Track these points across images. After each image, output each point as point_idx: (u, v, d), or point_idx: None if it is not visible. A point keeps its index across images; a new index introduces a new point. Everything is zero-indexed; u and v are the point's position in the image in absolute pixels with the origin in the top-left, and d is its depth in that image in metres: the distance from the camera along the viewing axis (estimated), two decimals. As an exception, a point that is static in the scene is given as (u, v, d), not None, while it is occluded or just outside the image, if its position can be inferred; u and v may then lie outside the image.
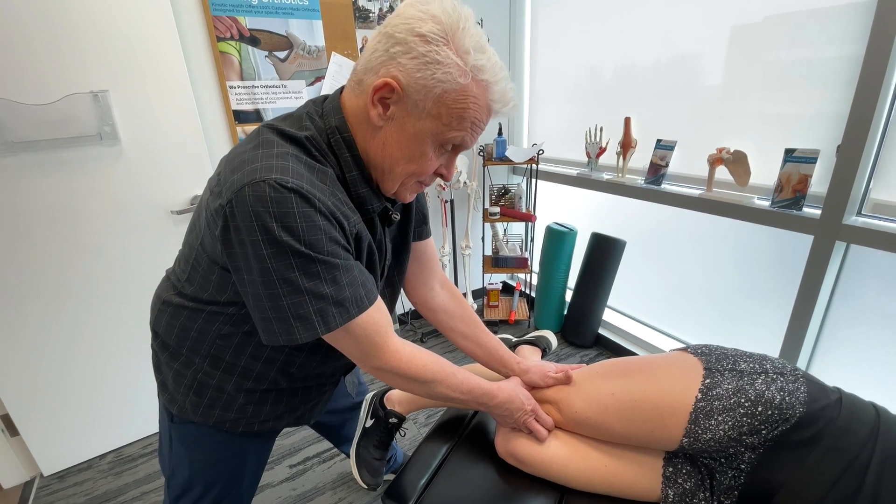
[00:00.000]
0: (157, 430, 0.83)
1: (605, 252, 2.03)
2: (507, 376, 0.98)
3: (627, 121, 1.82)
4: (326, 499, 1.48)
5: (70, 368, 1.56)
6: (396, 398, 1.07)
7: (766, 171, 1.41)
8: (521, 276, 2.72)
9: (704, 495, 0.76)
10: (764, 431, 0.71)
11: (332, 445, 1.67)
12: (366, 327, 0.65)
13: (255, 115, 1.76)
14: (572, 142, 2.17)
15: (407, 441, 1.70)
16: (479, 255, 2.61)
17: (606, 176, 1.96)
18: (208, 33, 1.59)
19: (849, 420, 0.70)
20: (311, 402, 0.88)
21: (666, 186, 1.71)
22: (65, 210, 1.42)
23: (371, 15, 1.91)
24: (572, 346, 2.26)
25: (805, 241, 1.31)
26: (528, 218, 2.26)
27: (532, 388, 0.94)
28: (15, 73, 1.27)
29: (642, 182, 1.77)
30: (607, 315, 2.22)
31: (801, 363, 1.42)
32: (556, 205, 2.47)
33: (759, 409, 0.71)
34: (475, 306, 2.65)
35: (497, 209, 2.25)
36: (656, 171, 1.72)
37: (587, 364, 0.99)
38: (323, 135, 0.65)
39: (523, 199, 2.29)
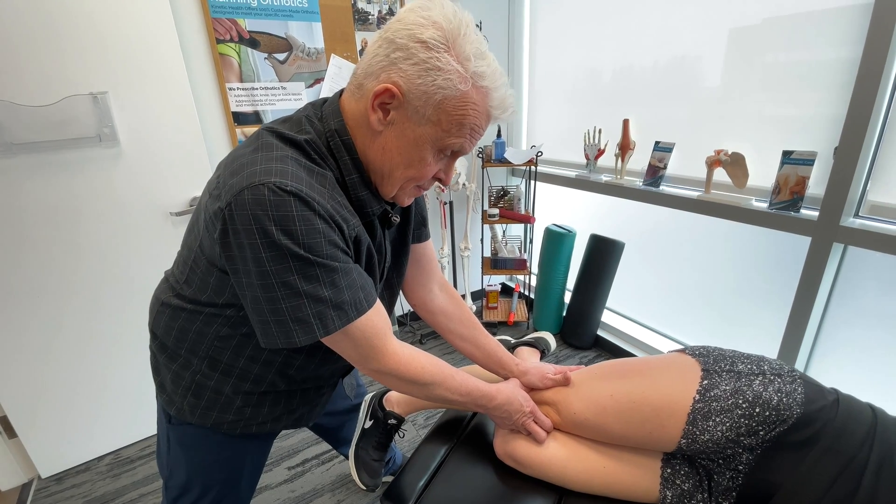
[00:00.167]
0: (155, 431, 0.83)
1: (603, 254, 2.04)
2: (505, 378, 0.98)
3: (626, 123, 1.82)
4: (325, 500, 1.48)
5: (68, 370, 1.56)
6: (395, 399, 1.07)
7: (763, 173, 1.41)
8: (520, 277, 2.72)
9: (702, 496, 0.76)
10: (761, 432, 0.71)
11: (330, 447, 1.67)
12: (364, 330, 0.65)
13: (255, 117, 1.76)
14: (571, 143, 2.17)
15: (406, 442, 1.70)
16: (478, 256, 2.62)
17: (605, 178, 1.96)
18: (208, 35, 1.59)
19: (846, 421, 0.70)
20: (309, 403, 0.88)
21: (664, 188, 1.71)
22: (63, 211, 1.42)
23: (370, 17, 1.91)
24: (571, 347, 2.26)
25: (803, 243, 1.31)
26: (527, 220, 2.26)
27: (531, 389, 0.94)
28: (15, 75, 1.27)
29: (641, 184, 1.78)
30: (606, 316, 2.22)
31: (799, 364, 1.42)
32: (554, 206, 2.47)
33: (757, 410, 0.71)
34: (474, 308, 2.65)
35: (496, 211, 2.25)
36: (655, 173, 1.72)
37: (586, 365, 0.99)
38: (322, 138, 0.65)
39: (522, 200, 2.30)
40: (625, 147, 1.85)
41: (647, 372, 0.84)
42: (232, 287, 0.65)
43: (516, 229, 2.64)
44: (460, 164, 2.20)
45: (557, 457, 0.86)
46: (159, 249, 1.60)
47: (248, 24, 1.65)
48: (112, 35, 1.37)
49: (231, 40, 1.63)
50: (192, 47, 1.57)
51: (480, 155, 2.20)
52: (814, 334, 1.41)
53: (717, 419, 0.73)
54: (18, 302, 1.42)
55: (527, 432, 0.88)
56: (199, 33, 1.58)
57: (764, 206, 1.40)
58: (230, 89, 1.68)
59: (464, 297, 2.51)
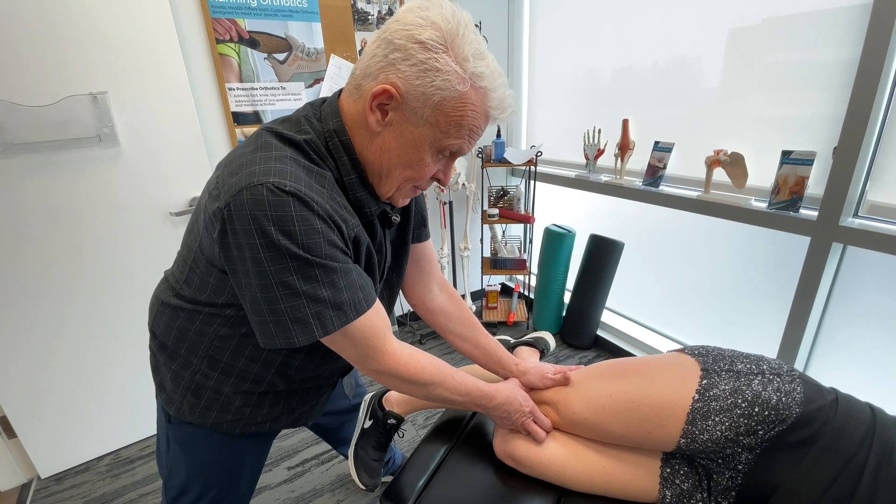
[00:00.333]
0: (155, 431, 0.83)
1: (603, 254, 2.04)
2: (505, 378, 0.98)
3: (625, 123, 1.82)
4: (325, 500, 1.48)
5: (68, 370, 1.56)
6: (395, 399, 1.07)
7: (763, 173, 1.41)
8: (520, 277, 2.72)
9: (702, 496, 0.76)
10: (761, 432, 0.71)
11: (330, 447, 1.67)
12: (364, 330, 0.65)
13: (254, 117, 1.76)
14: (570, 144, 2.17)
15: (405, 442, 1.70)
16: (477, 256, 2.62)
17: (604, 178, 1.96)
18: (207, 35, 1.59)
19: (845, 421, 0.70)
20: (308, 403, 0.88)
21: (664, 188, 1.71)
22: (63, 211, 1.42)
23: (370, 17, 1.91)
24: (571, 347, 2.26)
25: (802, 243, 1.31)
26: (527, 220, 2.26)
27: (530, 389, 0.94)
28: (15, 75, 1.27)
29: (640, 184, 1.78)
30: (605, 316, 2.22)
31: (799, 364, 1.42)
32: (554, 206, 2.47)
33: (756, 409, 0.71)
34: (474, 308, 2.65)
35: (496, 211, 2.25)
36: (654, 173, 1.73)
37: (585, 365, 0.99)
38: (321, 138, 0.65)
39: (522, 200, 2.30)
40: (624, 147, 1.85)
41: (646, 372, 0.84)
42: (231, 287, 0.65)
43: (516, 229, 2.65)
44: (460, 164, 2.20)
45: (557, 456, 0.86)
46: (159, 249, 1.60)
47: (248, 24, 1.65)
48: (112, 35, 1.37)
49: (231, 40, 1.63)
50: (192, 47, 1.57)
51: (480, 155, 2.20)
52: (813, 334, 1.41)
53: (717, 419, 0.73)
54: (18, 302, 1.42)
55: (526, 432, 0.88)
56: (198, 33, 1.58)
57: (763, 206, 1.40)
58: (230, 89, 1.68)
59: (463, 297, 2.51)
